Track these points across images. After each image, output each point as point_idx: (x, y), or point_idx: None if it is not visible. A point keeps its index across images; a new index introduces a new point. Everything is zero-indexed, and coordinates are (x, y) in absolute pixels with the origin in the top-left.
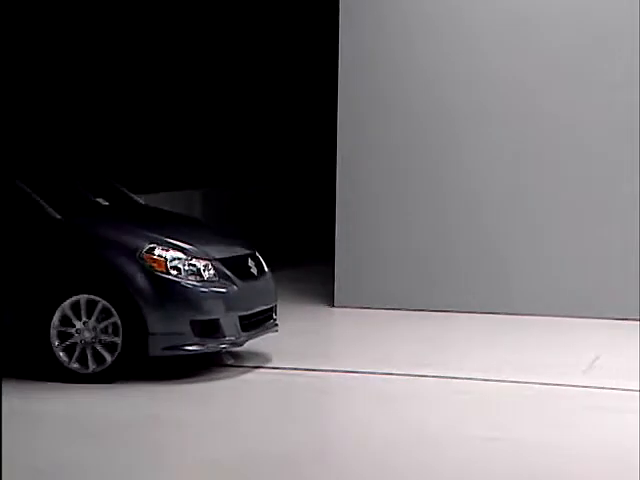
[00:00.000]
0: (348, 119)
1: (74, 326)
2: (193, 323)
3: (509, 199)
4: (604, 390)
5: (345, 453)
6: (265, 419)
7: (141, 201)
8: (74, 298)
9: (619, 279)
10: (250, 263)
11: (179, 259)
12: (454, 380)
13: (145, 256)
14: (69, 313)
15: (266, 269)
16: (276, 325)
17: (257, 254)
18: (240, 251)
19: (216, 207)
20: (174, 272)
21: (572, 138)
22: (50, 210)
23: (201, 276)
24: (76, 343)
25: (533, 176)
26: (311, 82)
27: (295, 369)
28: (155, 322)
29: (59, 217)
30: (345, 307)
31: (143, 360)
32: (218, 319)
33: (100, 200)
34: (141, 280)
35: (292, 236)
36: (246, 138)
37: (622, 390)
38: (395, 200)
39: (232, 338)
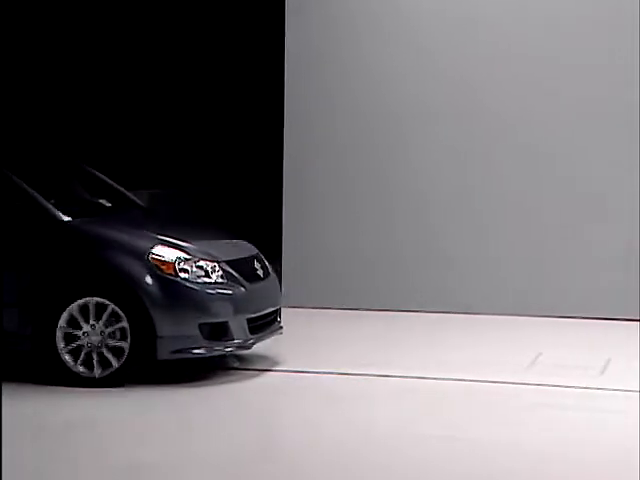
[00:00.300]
0: (295, 119)
1: (81, 329)
2: (202, 326)
3: (456, 199)
4: (547, 387)
5: (293, 454)
6: (212, 420)
7: (139, 202)
8: (82, 301)
9: (561, 278)
10: (256, 265)
11: (187, 261)
12: (400, 379)
13: (153, 258)
14: (77, 316)
15: (271, 271)
16: (281, 327)
17: (261, 256)
18: (245, 252)
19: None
20: (183, 274)
21: (519, 137)
22: (56, 212)
23: (209, 278)
24: (82, 346)
25: (480, 176)
26: (257, 81)
27: (245, 369)
28: (164, 325)
29: (66, 219)
30: (293, 307)
31: (151, 364)
32: (227, 322)
33: (103, 201)
34: (149, 282)
35: (237, 236)
36: (192, 138)
37: (564, 387)
38: (342, 199)
39: (240, 341)
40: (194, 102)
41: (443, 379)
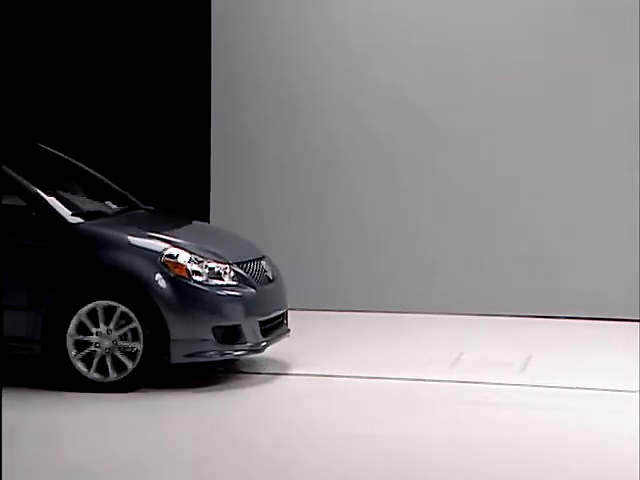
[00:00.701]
0: (221, 127)
1: (92, 334)
2: (215, 329)
3: (389, 198)
4: (471, 384)
5: (225, 454)
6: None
7: (140, 204)
8: (91, 305)
9: (493, 277)
10: (265, 266)
11: (200, 263)
12: (326, 378)
13: (166, 261)
14: (86, 321)
15: (278, 273)
16: (289, 330)
17: (268, 257)
18: (254, 254)
19: None
20: (196, 277)
21: (447, 135)
22: (65, 214)
23: (222, 280)
24: (95, 351)
25: (411, 174)
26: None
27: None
28: (177, 328)
29: (74, 221)
30: None
31: (164, 368)
32: (240, 324)
33: (108, 203)
34: (163, 285)
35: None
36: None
37: (485, 384)
38: (273, 203)
39: (253, 344)
40: (118, 77)
41: (366, 378)
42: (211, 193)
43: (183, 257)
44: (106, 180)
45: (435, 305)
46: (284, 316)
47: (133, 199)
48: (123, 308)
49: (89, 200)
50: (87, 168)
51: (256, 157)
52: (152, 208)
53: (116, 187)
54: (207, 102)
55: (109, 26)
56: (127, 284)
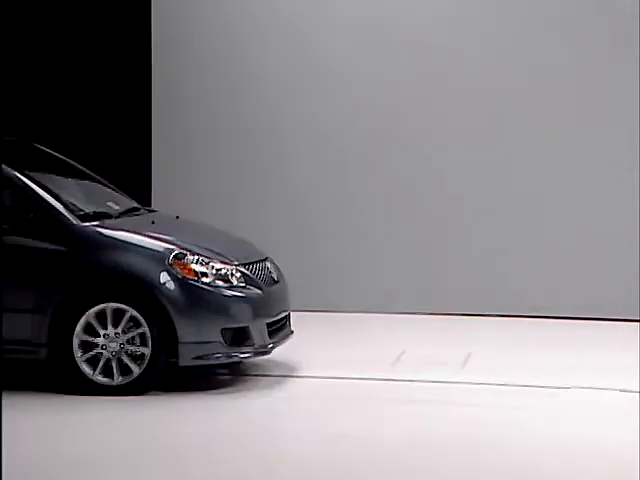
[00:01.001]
0: (164, 124)
1: (99, 336)
2: (224, 331)
3: (333, 197)
4: (413, 383)
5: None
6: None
7: (135, 204)
8: (100, 307)
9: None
10: (270, 267)
11: (207, 264)
12: (266, 377)
13: (175, 263)
14: (94, 322)
15: (281, 274)
16: (292, 332)
17: (271, 258)
18: (258, 255)
19: None
20: (204, 278)
21: (396, 134)
22: (70, 215)
23: (230, 282)
24: (101, 354)
25: (358, 175)
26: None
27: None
28: (186, 331)
29: (80, 222)
30: None
31: (172, 370)
32: (248, 326)
33: (110, 204)
34: (171, 288)
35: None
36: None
37: (424, 382)
38: (212, 188)
39: (260, 346)
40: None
41: (307, 377)
42: (152, 179)
43: (190, 258)
44: (103, 180)
45: (374, 305)
46: (287, 317)
47: (132, 200)
48: (131, 310)
49: (91, 201)
50: (84, 169)
51: (197, 148)
52: (153, 209)
53: (113, 187)
54: (148, 85)
55: (52, 17)
56: (134, 286)
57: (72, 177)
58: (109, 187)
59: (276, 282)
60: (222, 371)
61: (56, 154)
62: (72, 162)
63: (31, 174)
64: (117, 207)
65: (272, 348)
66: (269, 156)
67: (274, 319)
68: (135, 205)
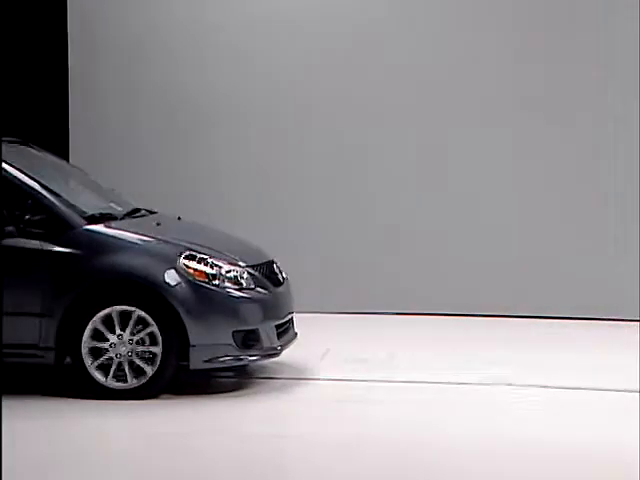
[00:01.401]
0: (81, 119)
1: (108, 340)
2: (235, 333)
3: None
4: (342, 382)
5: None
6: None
7: (135, 204)
8: (111, 309)
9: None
10: (275, 269)
11: (218, 266)
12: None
13: (185, 264)
14: (101, 327)
15: (286, 276)
16: (296, 334)
17: (275, 260)
18: (265, 257)
19: None
20: (215, 281)
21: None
22: (76, 217)
23: (239, 284)
24: (112, 358)
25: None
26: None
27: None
28: (197, 333)
29: (86, 224)
30: None
31: (183, 373)
32: (258, 329)
33: (113, 205)
34: (182, 290)
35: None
36: None
37: (346, 380)
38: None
39: (269, 348)
40: None
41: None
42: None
43: (201, 260)
44: (99, 182)
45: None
46: (292, 320)
47: (131, 201)
48: (141, 313)
49: (95, 202)
50: (80, 169)
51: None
52: (156, 211)
53: (110, 188)
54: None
55: None
56: (146, 289)
57: (72, 177)
58: (105, 187)
59: (282, 284)
60: (216, 374)
61: (52, 155)
62: (68, 163)
63: (34, 175)
64: (120, 208)
65: (281, 350)
66: (184, 120)
67: (282, 321)
68: (135, 206)
